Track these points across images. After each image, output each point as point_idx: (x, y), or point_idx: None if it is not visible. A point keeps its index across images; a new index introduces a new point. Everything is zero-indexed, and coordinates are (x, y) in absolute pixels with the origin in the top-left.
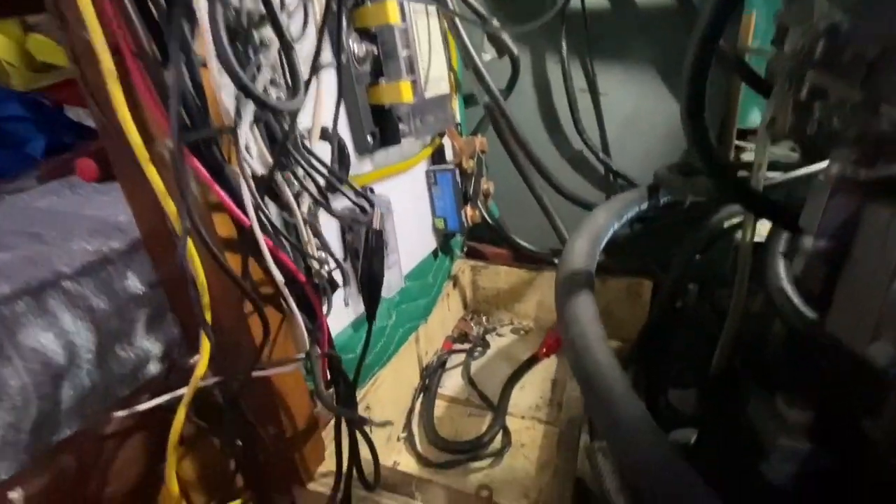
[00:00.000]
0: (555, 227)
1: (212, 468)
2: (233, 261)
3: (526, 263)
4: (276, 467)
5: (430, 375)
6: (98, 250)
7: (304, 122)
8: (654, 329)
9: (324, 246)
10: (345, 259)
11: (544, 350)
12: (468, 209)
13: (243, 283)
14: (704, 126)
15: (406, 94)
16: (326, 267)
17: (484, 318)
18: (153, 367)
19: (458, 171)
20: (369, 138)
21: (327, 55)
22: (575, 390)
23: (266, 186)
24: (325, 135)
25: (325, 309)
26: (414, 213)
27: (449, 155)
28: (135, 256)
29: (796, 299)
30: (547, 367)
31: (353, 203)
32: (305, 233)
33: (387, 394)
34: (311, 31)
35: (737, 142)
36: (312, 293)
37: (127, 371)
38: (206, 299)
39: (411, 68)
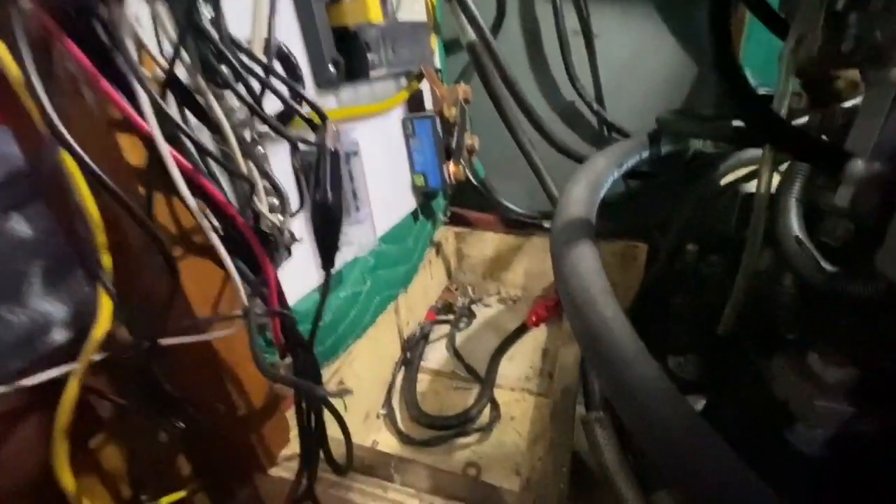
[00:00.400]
0: (544, 186)
1: (150, 456)
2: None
3: (514, 229)
4: (232, 452)
5: (412, 347)
6: None
7: (243, 31)
8: (650, 293)
9: (266, 176)
10: (301, 204)
11: (533, 319)
12: (451, 165)
13: (144, 218)
14: (732, 49)
15: (374, 11)
16: (278, 215)
17: (469, 289)
18: (57, 335)
19: (438, 120)
20: (331, 67)
21: None
22: (568, 357)
23: (184, 96)
24: (276, 53)
25: (277, 261)
26: (389, 167)
27: (428, 103)
28: (16, 192)
29: (814, 252)
30: (536, 337)
31: (301, 116)
32: (244, 163)
33: (363, 367)
34: None
35: None
36: (251, 235)
37: (18, 339)
38: (100, 238)
39: None
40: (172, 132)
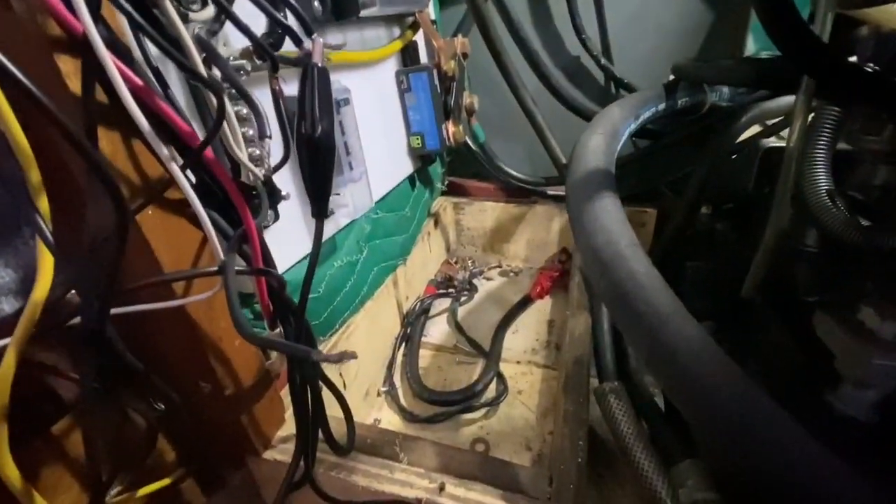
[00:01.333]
0: (548, 148)
1: (125, 442)
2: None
3: (515, 198)
4: (221, 434)
5: (412, 323)
6: None
7: None
8: (662, 258)
9: (245, 98)
10: (286, 154)
11: (538, 290)
12: (450, 125)
13: (86, 145)
14: None
15: None
16: (258, 149)
17: (469, 262)
18: (5, 304)
19: (436, 73)
20: (316, 3)
21: None
22: (578, 328)
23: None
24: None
25: (260, 217)
26: (383, 125)
27: (424, 57)
28: None
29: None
30: (541, 309)
31: (276, 21)
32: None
33: (361, 342)
34: None
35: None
36: (225, 176)
37: None
38: (33, 175)
39: None
40: (115, 41)
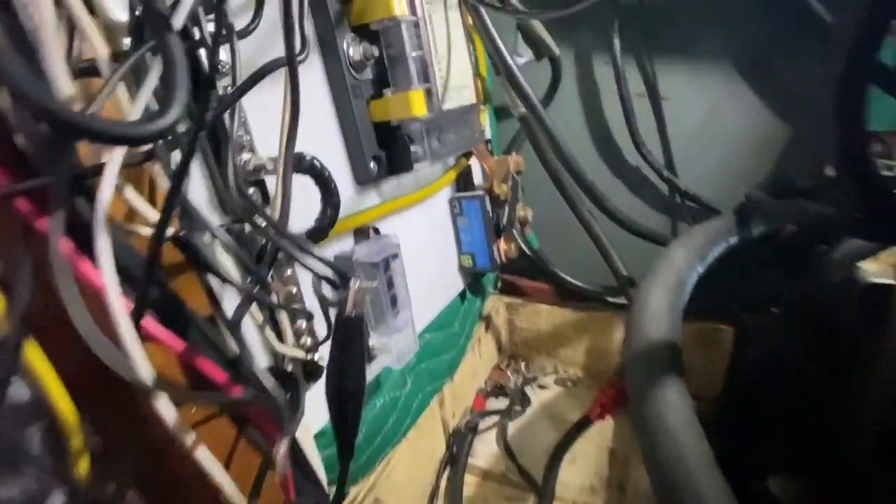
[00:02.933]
0: (609, 261)
1: None
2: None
3: (572, 302)
4: None
5: (459, 443)
6: None
7: (269, 148)
8: (742, 395)
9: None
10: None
11: (598, 411)
12: (501, 243)
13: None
14: (863, 138)
15: (418, 106)
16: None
17: (523, 365)
18: None
19: (488, 198)
20: (372, 165)
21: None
22: (643, 480)
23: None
24: (302, 165)
25: (290, 422)
26: (435, 250)
27: (478, 178)
28: None
29: None
30: (602, 433)
31: (317, 275)
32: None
33: (402, 476)
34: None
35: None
36: (258, 413)
37: None
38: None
39: (425, 74)
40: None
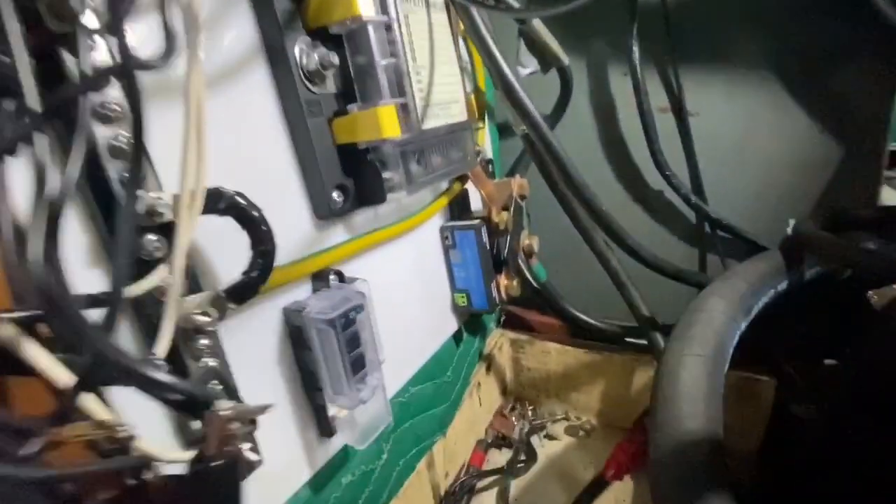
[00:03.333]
0: (628, 298)
1: None
2: None
3: (586, 341)
4: None
5: None
6: None
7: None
8: (788, 453)
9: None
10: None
11: (615, 469)
12: (502, 279)
13: None
14: None
15: (389, 125)
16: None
17: (530, 410)
18: None
19: (485, 228)
20: (336, 196)
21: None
22: None
23: None
24: (217, 204)
25: None
26: (423, 288)
27: (476, 204)
28: None
29: None
30: (618, 496)
31: (161, 400)
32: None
33: None
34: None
35: (887, 172)
36: None
37: None
38: None
39: (399, 87)
40: None
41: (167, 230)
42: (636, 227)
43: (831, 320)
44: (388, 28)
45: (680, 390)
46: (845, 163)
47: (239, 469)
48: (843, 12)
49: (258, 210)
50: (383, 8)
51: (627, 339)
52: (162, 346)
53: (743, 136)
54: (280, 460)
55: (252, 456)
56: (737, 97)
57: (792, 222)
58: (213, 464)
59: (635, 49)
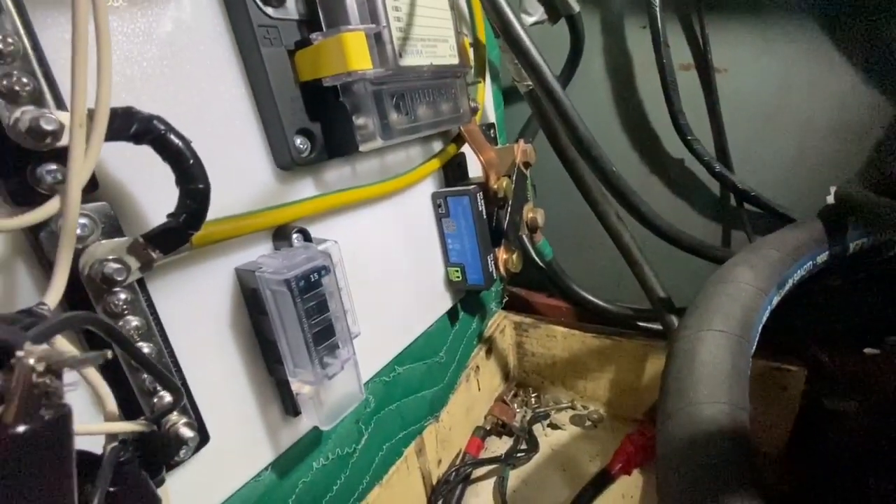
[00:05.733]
0: (642, 277)
1: None
2: None
3: (594, 325)
4: None
5: (444, 496)
6: None
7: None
8: (820, 451)
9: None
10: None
11: (620, 465)
12: (500, 252)
13: None
14: None
15: (357, 55)
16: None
17: (533, 397)
18: None
19: (481, 195)
20: (300, 143)
21: None
22: None
23: None
24: (130, 129)
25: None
26: (411, 260)
27: (476, 170)
28: None
29: None
30: (626, 492)
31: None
32: None
33: None
34: None
35: None
36: None
37: None
38: None
39: (371, 10)
40: None
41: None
42: (654, 198)
43: (877, 303)
44: None
45: (698, 371)
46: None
47: (65, 435)
48: None
49: (184, 139)
50: None
51: (640, 324)
52: (54, 293)
53: (777, 94)
54: (236, 439)
55: (186, 432)
56: (771, 50)
57: (833, 189)
58: (21, 430)
59: None
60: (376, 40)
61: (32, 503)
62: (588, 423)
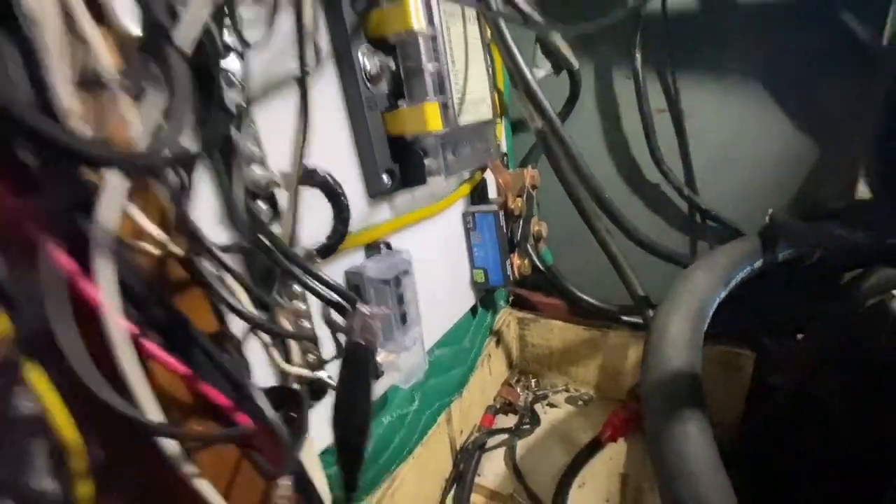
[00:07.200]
0: (625, 279)
1: None
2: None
3: (585, 319)
4: None
5: (466, 460)
6: None
7: (281, 161)
8: (765, 418)
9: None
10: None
11: (610, 433)
12: (515, 258)
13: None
14: None
15: (433, 120)
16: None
17: (533, 381)
18: None
19: (502, 213)
20: (385, 178)
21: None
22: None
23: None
24: (310, 178)
25: (293, 457)
26: (447, 265)
27: (492, 192)
28: None
29: None
30: (613, 456)
31: (323, 299)
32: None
33: (408, 494)
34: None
35: None
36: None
37: None
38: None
39: (441, 87)
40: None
41: (273, 199)
42: (635, 215)
43: (805, 300)
44: (434, 38)
45: (666, 340)
46: (823, 160)
47: (371, 350)
48: (823, 28)
49: (341, 187)
50: (430, 22)
51: (623, 318)
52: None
53: (733, 135)
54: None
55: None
56: (729, 101)
57: (770, 212)
58: (360, 345)
59: (637, 56)
60: (444, 108)
61: (358, 381)
62: (580, 402)
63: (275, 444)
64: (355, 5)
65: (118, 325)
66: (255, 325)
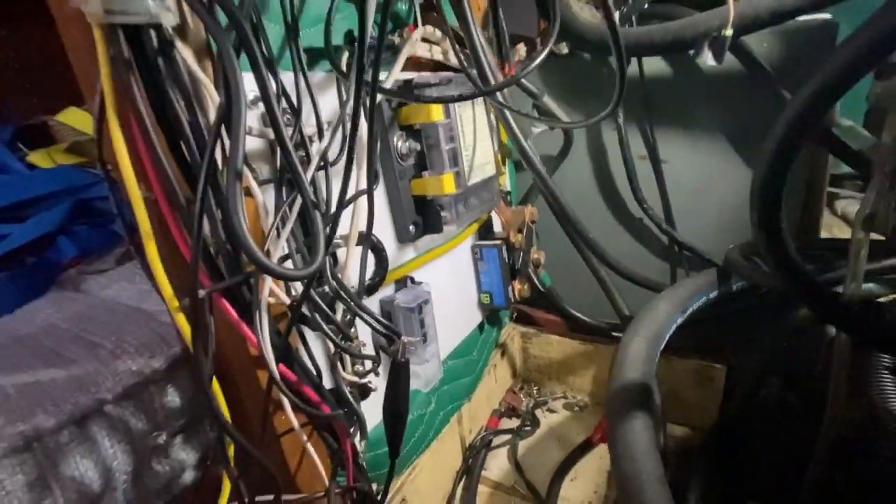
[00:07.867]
0: (613, 301)
1: None
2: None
3: (580, 334)
4: None
5: (474, 456)
6: (141, 371)
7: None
8: (729, 426)
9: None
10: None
11: (600, 435)
12: (516, 283)
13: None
14: (781, 236)
15: (448, 186)
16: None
17: (534, 389)
18: (188, 476)
19: (505, 246)
20: (411, 228)
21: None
22: None
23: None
24: (364, 240)
25: (353, 434)
26: (459, 289)
27: (497, 226)
28: (177, 373)
29: None
30: (603, 455)
31: (380, 333)
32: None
33: (425, 482)
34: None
35: (830, 188)
36: (334, 421)
37: (162, 484)
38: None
39: (454, 161)
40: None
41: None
42: (621, 247)
43: (763, 321)
44: (449, 125)
45: (627, 357)
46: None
47: (407, 366)
48: (767, 98)
49: (382, 244)
50: (447, 114)
51: (613, 333)
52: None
53: (703, 180)
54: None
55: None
56: (698, 151)
57: (729, 248)
58: (402, 361)
59: (621, 113)
60: (457, 176)
61: (400, 384)
62: (576, 408)
63: (342, 426)
64: (391, 104)
65: (270, 352)
66: (342, 350)
